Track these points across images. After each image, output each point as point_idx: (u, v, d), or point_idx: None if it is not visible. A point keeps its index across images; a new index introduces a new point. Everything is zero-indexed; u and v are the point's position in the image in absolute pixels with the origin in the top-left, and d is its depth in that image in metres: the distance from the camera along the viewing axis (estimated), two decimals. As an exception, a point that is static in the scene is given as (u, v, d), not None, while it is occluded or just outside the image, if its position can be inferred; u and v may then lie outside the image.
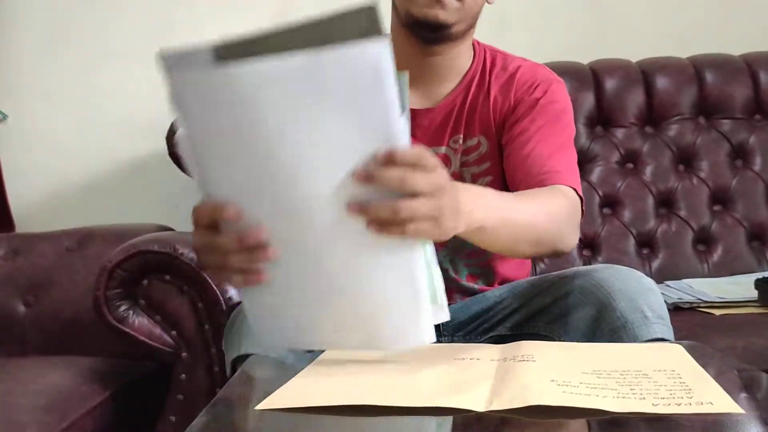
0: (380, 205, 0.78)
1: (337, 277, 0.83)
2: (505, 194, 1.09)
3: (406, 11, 1.20)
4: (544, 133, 1.23)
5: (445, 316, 0.87)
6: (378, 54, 0.72)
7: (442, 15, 1.18)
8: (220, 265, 0.87)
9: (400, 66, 1.33)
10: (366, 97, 0.74)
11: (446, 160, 1.27)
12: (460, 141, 1.27)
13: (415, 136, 1.25)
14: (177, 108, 0.80)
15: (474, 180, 1.27)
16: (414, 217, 0.78)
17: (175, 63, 0.77)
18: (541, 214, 1.08)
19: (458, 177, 1.26)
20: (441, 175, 0.81)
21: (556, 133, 1.24)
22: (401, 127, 0.77)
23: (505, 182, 1.27)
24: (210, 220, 0.86)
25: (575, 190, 1.17)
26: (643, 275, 1.13)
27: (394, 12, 1.26)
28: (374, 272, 0.82)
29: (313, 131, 0.76)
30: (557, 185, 1.16)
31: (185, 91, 0.79)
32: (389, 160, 0.76)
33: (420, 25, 1.20)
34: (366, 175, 0.77)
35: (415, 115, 1.26)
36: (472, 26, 1.25)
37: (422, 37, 1.22)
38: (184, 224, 1.99)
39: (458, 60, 1.28)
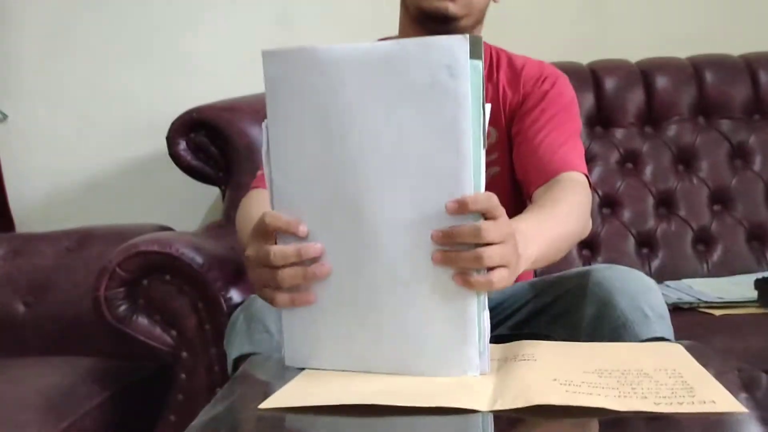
0: (464, 254, 0.80)
1: (385, 296, 0.84)
2: (541, 213, 1.09)
3: (415, 5, 1.23)
4: (555, 123, 1.26)
5: (485, 367, 0.84)
6: (456, 46, 0.77)
7: (452, 8, 1.21)
8: (269, 279, 0.87)
9: None
10: (441, 88, 0.78)
11: None
12: None
13: None
14: (269, 93, 0.85)
15: None
16: (493, 263, 0.81)
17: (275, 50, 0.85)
18: (572, 217, 1.11)
19: None
20: (507, 222, 0.83)
21: (566, 122, 1.27)
22: (469, 126, 0.79)
23: (512, 174, 1.28)
24: (272, 232, 0.87)
25: (586, 176, 1.21)
26: (644, 275, 1.13)
27: (403, 8, 1.29)
28: (424, 300, 0.83)
29: (384, 117, 0.80)
30: (570, 172, 1.19)
31: (278, 75, 0.84)
32: (462, 207, 0.79)
33: (429, 17, 1.22)
34: (443, 235, 0.80)
35: None
36: (479, 21, 1.28)
37: (431, 30, 1.22)
38: (184, 224, 2.00)
39: None
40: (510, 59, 1.35)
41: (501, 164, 1.30)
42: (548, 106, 1.28)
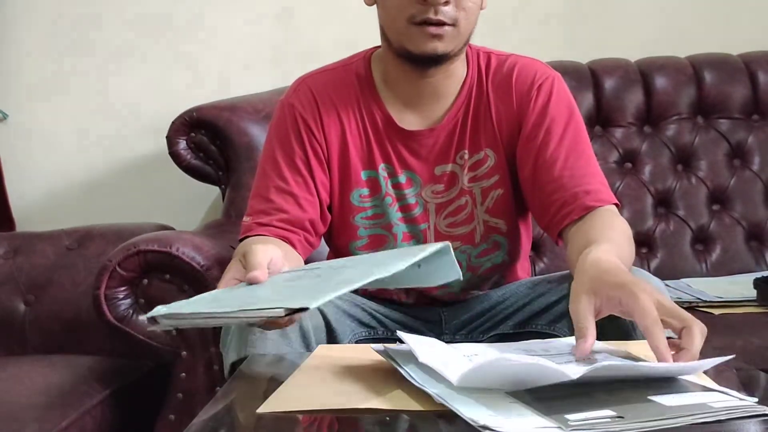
0: None
1: None
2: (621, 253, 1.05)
3: (400, 45, 1.18)
4: (566, 145, 1.20)
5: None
6: None
7: (440, 47, 1.16)
8: None
9: (393, 87, 1.31)
10: None
11: (454, 177, 1.25)
12: (466, 156, 1.24)
13: (421, 156, 1.24)
14: None
15: (485, 194, 1.25)
16: None
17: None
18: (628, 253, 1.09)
19: (468, 193, 1.25)
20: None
21: (575, 138, 1.21)
22: None
23: (515, 193, 1.25)
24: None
25: (616, 203, 1.17)
26: (651, 274, 1.14)
27: (383, 38, 1.23)
28: None
29: None
30: (606, 207, 1.15)
31: None
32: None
33: (418, 59, 1.18)
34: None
35: (418, 136, 1.24)
36: (468, 42, 1.22)
37: (419, 65, 1.20)
38: (183, 223, 2.01)
39: (455, 73, 1.24)
40: (499, 61, 1.27)
41: (503, 186, 1.25)
42: (553, 125, 1.20)
